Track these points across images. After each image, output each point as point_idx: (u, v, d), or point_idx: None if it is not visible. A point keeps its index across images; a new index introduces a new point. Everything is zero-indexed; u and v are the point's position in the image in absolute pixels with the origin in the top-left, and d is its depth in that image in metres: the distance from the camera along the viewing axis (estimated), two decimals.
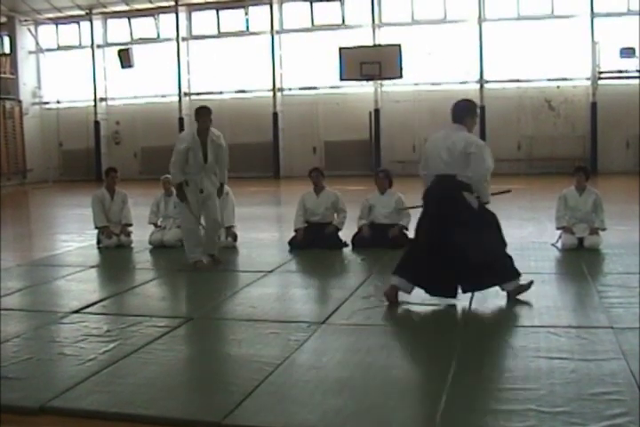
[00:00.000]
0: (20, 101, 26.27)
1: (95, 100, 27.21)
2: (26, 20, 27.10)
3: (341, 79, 23.02)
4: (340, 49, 22.63)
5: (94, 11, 26.56)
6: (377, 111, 24.44)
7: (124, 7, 26.17)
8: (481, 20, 23.55)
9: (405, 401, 4.00)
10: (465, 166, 6.02)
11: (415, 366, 4.57)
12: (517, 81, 23.46)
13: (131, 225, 10.15)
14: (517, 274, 6.28)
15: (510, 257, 6.33)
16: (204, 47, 26.39)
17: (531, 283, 6.33)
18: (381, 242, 9.07)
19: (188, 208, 8.17)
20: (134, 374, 4.52)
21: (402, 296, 6.63)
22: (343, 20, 24.83)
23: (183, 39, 26.36)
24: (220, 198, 8.44)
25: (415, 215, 6.79)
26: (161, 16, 26.57)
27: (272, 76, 25.37)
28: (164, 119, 25.46)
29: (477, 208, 6.12)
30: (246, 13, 25.80)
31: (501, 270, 6.22)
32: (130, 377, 4.46)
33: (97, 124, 27.21)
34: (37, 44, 27.54)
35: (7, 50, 27.54)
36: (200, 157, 8.03)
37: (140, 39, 26.82)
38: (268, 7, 25.15)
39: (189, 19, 26.47)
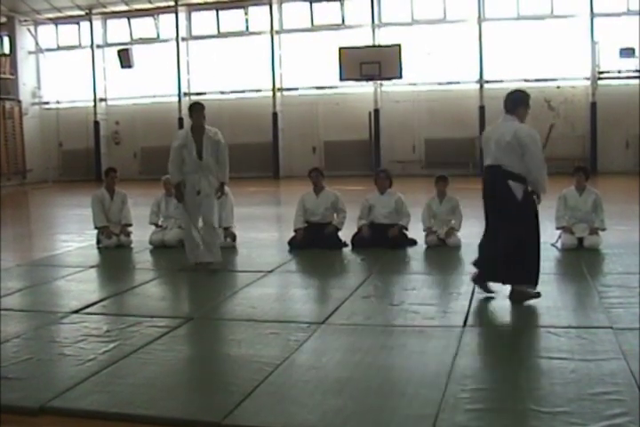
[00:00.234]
0: (19, 102, 26.27)
1: (95, 100, 27.20)
2: (25, 21, 27.09)
3: (341, 79, 23.02)
4: (340, 49, 22.64)
5: (94, 11, 26.56)
6: (377, 111, 24.43)
7: (123, 7, 26.16)
8: (481, 19, 23.54)
9: (405, 401, 3.99)
10: (512, 156, 6.15)
11: (415, 367, 4.57)
12: (517, 81, 23.42)
13: (130, 225, 10.15)
14: (535, 281, 6.23)
15: (537, 260, 6.32)
16: (204, 47, 26.38)
17: (538, 294, 6.24)
18: (381, 242, 9.07)
19: (185, 210, 8.08)
20: (134, 375, 4.52)
21: (401, 296, 6.64)
22: (343, 20, 24.83)
23: (183, 39, 26.35)
24: (219, 199, 8.30)
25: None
26: (161, 16, 26.56)
27: (272, 77, 25.36)
28: (164, 119, 25.45)
29: (521, 199, 6.22)
30: (246, 13, 25.79)
31: (523, 270, 6.22)
32: (130, 377, 4.46)
33: (97, 124, 27.20)
34: (37, 44, 27.53)
35: (7, 50, 27.51)
36: (194, 155, 7.86)
37: (140, 39, 26.81)
38: (267, 7, 25.14)
39: (189, 19, 26.47)
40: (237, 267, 8.57)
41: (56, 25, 27.54)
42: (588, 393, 3.99)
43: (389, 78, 22.99)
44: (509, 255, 6.15)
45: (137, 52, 25.52)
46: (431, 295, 6.77)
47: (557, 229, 9.03)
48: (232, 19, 25.89)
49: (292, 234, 9.48)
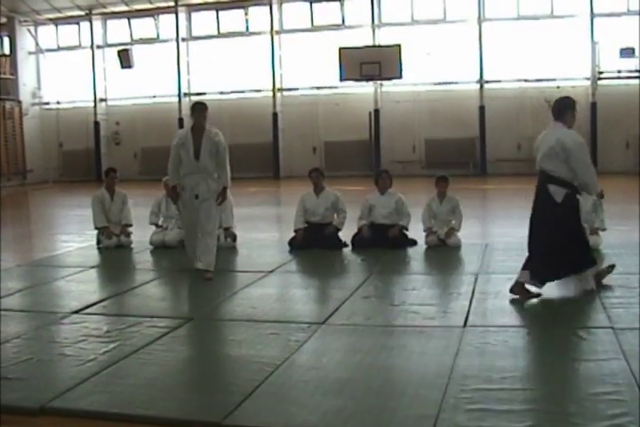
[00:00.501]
0: (19, 102, 26.25)
1: (95, 100, 27.19)
2: (25, 21, 27.08)
3: (341, 79, 23.02)
4: (340, 49, 22.62)
5: (94, 11, 26.54)
6: (377, 111, 24.43)
7: (123, 8, 26.15)
8: (481, 19, 23.53)
9: (405, 402, 3.99)
10: (555, 162, 6.34)
11: (415, 367, 4.57)
12: (517, 81, 23.45)
13: (131, 225, 10.15)
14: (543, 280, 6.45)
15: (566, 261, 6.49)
16: (204, 47, 26.37)
17: (538, 295, 6.41)
18: (381, 242, 9.07)
19: (183, 214, 7.90)
20: (134, 375, 4.52)
21: (402, 296, 6.64)
22: (343, 21, 24.81)
23: (183, 39, 26.34)
24: (220, 204, 7.87)
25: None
26: (161, 16, 26.55)
27: (272, 77, 25.35)
28: (164, 120, 25.44)
29: (561, 202, 6.38)
30: (246, 14, 25.79)
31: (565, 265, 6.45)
32: (130, 378, 4.46)
33: (97, 124, 27.20)
34: (37, 44, 27.52)
35: (7, 50, 27.49)
36: (191, 154, 7.56)
37: (140, 39, 26.80)
38: (267, 7, 25.12)
39: (189, 19, 26.46)
40: (237, 267, 8.57)
41: (56, 25, 27.53)
42: (589, 393, 3.99)
43: (389, 78, 22.99)
44: (548, 254, 6.41)
45: (137, 52, 25.51)
46: (431, 295, 6.77)
47: None
48: (232, 19, 25.88)
49: (293, 234, 9.48)
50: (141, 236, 10.05)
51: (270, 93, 25.43)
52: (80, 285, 7.55)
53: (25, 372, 4.59)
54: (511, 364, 4.56)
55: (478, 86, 23.75)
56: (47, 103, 27.94)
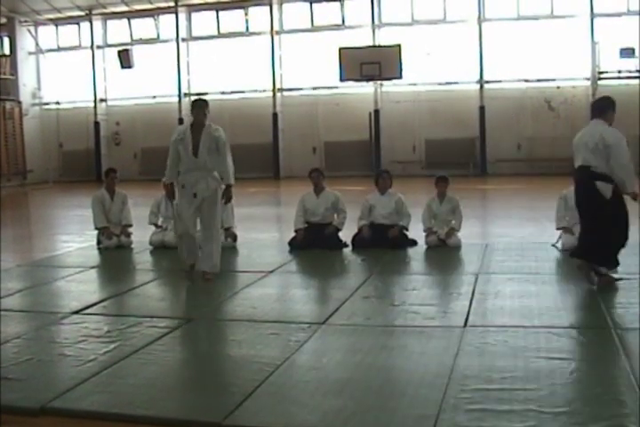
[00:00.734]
0: (19, 102, 26.27)
1: (95, 100, 27.21)
2: (26, 21, 27.10)
3: (341, 80, 23.04)
4: (340, 49, 22.64)
5: (94, 11, 26.57)
6: (377, 112, 24.44)
7: (123, 8, 26.17)
8: (481, 20, 23.55)
9: (405, 401, 3.99)
10: (599, 158, 6.50)
11: (415, 367, 4.57)
12: (517, 81, 23.46)
13: (131, 226, 10.15)
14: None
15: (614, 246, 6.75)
16: (204, 48, 26.40)
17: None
18: (381, 242, 9.07)
19: (178, 213, 7.60)
20: (134, 375, 4.52)
21: (402, 296, 6.64)
22: (343, 21, 24.84)
23: (183, 40, 26.36)
24: (226, 204, 7.73)
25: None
26: (161, 17, 26.58)
27: (272, 77, 25.37)
28: (164, 120, 25.43)
29: (610, 198, 6.50)
30: (246, 14, 25.80)
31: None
32: (130, 378, 4.46)
33: (97, 124, 27.21)
34: (37, 44, 27.54)
35: (7, 51, 27.52)
36: (190, 150, 7.32)
37: (140, 40, 26.82)
38: (267, 8, 25.15)
39: (189, 19, 26.48)
40: (238, 267, 8.57)
41: (56, 25, 27.56)
42: (589, 394, 4.00)
43: (389, 79, 23.01)
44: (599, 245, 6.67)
45: (137, 52, 25.54)
46: (432, 296, 6.77)
47: (558, 229, 9.02)
48: (232, 19, 25.91)
49: (293, 234, 9.48)
50: (141, 236, 10.05)
51: (270, 94, 25.45)
52: (80, 285, 7.54)
53: (25, 372, 4.59)
54: (511, 364, 4.55)
55: (478, 86, 23.77)
56: (47, 103, 27.96)
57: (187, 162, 7.39)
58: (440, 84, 24.01)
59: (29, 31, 27.45)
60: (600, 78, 22.30)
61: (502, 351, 4.83)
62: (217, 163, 7.44)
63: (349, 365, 4.67)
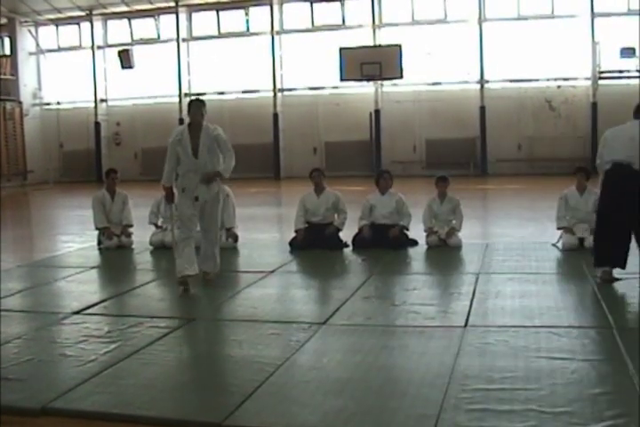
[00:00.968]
0: (20, 102, 26.29)
1: (95, 101, 27.23)
2: (26, 22, 27.12)
3: (342, 80, 23.04)
4: (341, 49, 22.66)
5: (94, 12, 26.59)
6: (377, 112, 24.45)
7: (124, 8, 26.20)
8: (481, 20, 23.57)
9: (406, 401, 3.99)
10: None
11: (416, 367, 4.57)
12: (518, 81, 23.46)
13: (131, 226, 10.15)
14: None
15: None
16: (205, 48, 26.42)
17: None
18: (382, 242, 9.07)
19: (178, 217, 7.34)
20: (135, 375, 4.52)
21: (402, 296, 6.64)
22: (343, 21, 24.85)
23: (183, 40, 26.38)
24: (201, 181, 7.15)
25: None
26: (161, 17, 26.59)
27: (272, 77, 25.38)
28: (165, 120, 25.44)
29: None
30: (246, 14, 25.82)
31: None
32: (131, 378, 4.46)
33: (97, 125, 27.23)
34: (38, 45, 27.56)
35: (7, 51, 27.57)
36: (189, 152, 7.08)
37: (141, 40, 26.84)
38: (268, 8, 25.17)
39: (190, 19, 26.49)
40: (238, 267, 8.56)
41: (57, 26, 27.59)
42: (589, 393, 3.99)
43: (390, 78, 23.03)
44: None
45: (137, 52, 25.57)
46: (432, 296, 6.77)
47: (558, 229, 9.03)
48: (232, 19, 25.93)
49: (293, 235, 9.48)
50: (142, 236, 10.05)
51: (271, 94, 25.46)
52: (81, 285, 7.54)
53: (26, 372, 4.59)
54: (512, 364, 4.55)
55: (479, 86, 23.79)
56: (48, 104, 27.99)
57: (186, 163, 7.15)
58: (440, 83, 24.02)
59: (30, 31, 27.47)
60: (601, 78, 22.32)
61: (503, 351, 4.83)
62: (219, 161, 7.21)
63: (350, 365, 4.67)
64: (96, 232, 10.12)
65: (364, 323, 5.71)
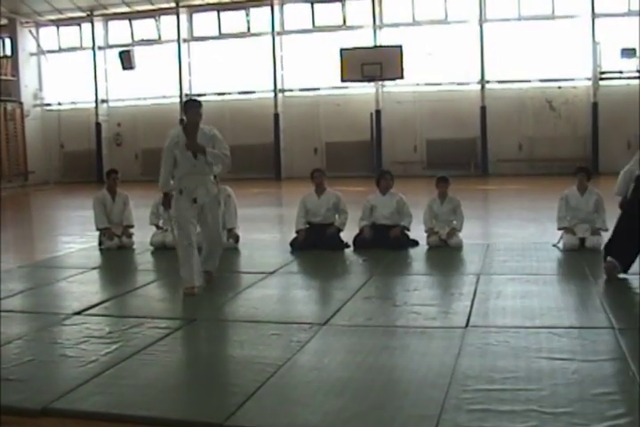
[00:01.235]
0: (21, 103, 26.29)
1: (96, 101, 27.24)
2: (27, 22, 27.13)
3: (342, 80, 23.04)
4: (341, 50, 22.65)
5: (95, 12, 26.60)
6: (378, 112, 24.45)
7: (124, 9, 26.20)
8: (482, 20, 23.56)
9: (407, 402, 3.99)
10: None
11: (417, 367, 4.56)
12: (518, 81, 23.46)
13: (132, 226, 10.15)
14: None
15: None
16: (206, 48, 26.42)
17: None
18: (383, 243, 9.07)
19: (178, 221, 7.14)
20: (136, 376, 4.52)
21: (403, 297, 6.64)
22: (344, 21, 24.85)
23: (184, 40, 26.38)
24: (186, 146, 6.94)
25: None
26: (162, 17, 26.59)
27: (273, 78, 25.38)
28: (166, 121, 25.31)
29: None
30: (247, 15, 25.82)
31: None
32: (131, 379, 4.46)
33: (98, 125, 27.24)
34: (38, 45, 27.56)
35: (8, 52, 27.57)
36: (189, 154, 6.92)
37: (142, 41, 26.84)
38: (269, 8, 25.16)
39: (190, 20, 26.50)
40: (239, 268, 8.57)
41: (57, 27, 27.59)
42: (590, 394, 3.99)
43: (391, 79, 23.03)
44: None
45: (138, 53, 25.56)
46: (433, 296, 6.77)
47: (559, 229, 9.03)
48: (233, 20, 25.93)
49: (294, 235, 9.48)
50: (143, 237, 10.05)
51: (271, 94, 25.47)
52: (82, 286, 7.55)
53: (27, 373, 4.59)
54: (513, 364, 4.55)
55: (479, 87, 23.78)
56: (49, 104, 28.00)
57: (185, 166, 6.98)
58: (441, 84, 24.01)
59: (31, 32, 27.48)
60: (601, 78, 22.34)
61: (504, 352, 4.83)
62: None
63: (351, 365, 4.67)
64: (97, 233, 10.12)
65: (364, 323, 5.71)
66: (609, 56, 21.95)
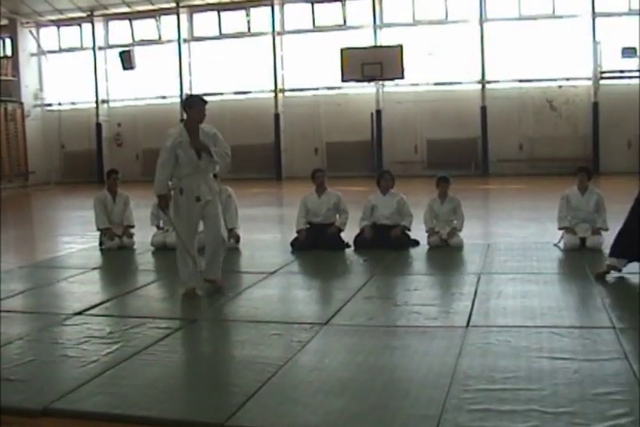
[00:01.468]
0: (21, 104, 26.30)
1: (97, 101, 27.24)
2: (27, 23, 27.13)
3: (343, 80, 23.03)
4: (342, 50, 22.64)
5: (95, 12, 26.59)
6: (378, 112, 24.44)
7: (125, 9, 26.20)
8: (482, 20, 23.54)
9: (408, 402, 3.99)
10: None
11: (417, 367, 4.57)
12: (519, 81, 23.45)
13: (133, 227, 10.16)
14: None
15: None
16: (206, 48, 26.41)
17: None
18: (383, 243, 9.07)
19: (180, 221, 6.90)
20: (137, 376, 4.52)
21: (404, 297, 6.64)
22: (344, 21, 24.83)
23: (184, 41, 26.38)
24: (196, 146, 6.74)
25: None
26: (162, 18, 26.59)
27: (273, 77, 25.38)
28: (166, 121, 25.23)
29: None
30: (247, 15, 25.81)
31: None
32: (132, 379, 4.46)
33: (99, 125, 27.24)
34: (39, 46, 27.57)
35: (9, 52, 27.57)
36: (192, 153, 6.71)
37: (142, 41, 26.84)
38: (269, 8, 25.16)
39: (191, 20, 26.49)
40: (240, 268, 8.57)
41: (58, 27, 27.59)
42: (592, 394, 3.99)
43: (391, 79, 23.02)
44: None
45: (139, 53, 25.56)
46: (434, 296, 6.77)
47: (560, 229, 9.03)
48: (234, 20, 25.92)
49: (295, 235, 9.48)
50: (143, 237, 10.05)
51: (272, 94, 25.46)
52: (82, 286, 7.55)
53: (27, 373, 4.59)
54: (513, 364, 4.55)
55: (480, 86, 23.77)
56: (49, 105, 28.00)
57: (188, 165, 6.76)
58: (442, 84, 24.00)
59: (31, 32, 27.48)
60: (602, 78, 22.33)
61: (505, 351, 4.83)
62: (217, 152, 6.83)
63: (352, 365, 4.67)
64: (97, 233, 10.13)
65: (365, 323, 5.71)
66: (609, 56, 21.94)
